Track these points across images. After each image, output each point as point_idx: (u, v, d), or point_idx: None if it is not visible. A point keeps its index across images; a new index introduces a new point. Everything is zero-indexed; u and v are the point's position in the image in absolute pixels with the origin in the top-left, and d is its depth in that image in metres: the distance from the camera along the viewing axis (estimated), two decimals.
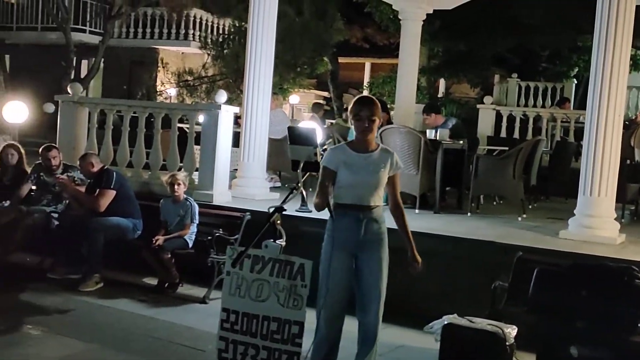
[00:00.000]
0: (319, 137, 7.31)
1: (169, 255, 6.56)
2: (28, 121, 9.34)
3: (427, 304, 5.77)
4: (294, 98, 19.92)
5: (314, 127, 7.44)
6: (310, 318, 4.06)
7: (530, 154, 8.39)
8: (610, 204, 6.44)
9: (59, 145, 7.87)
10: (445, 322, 4.69)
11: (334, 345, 4.23)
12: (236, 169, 8.32)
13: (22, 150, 7.68)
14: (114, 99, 11.34)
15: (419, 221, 7.01)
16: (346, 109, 14.91)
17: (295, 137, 7.12)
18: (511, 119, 13.66)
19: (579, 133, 8.99)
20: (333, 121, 14.55)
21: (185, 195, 6.85)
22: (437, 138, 8.08)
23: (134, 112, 8.39)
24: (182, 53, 21.20)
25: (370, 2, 16.35)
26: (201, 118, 7.86)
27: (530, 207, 8.74)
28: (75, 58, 18.17)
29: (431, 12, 11.66)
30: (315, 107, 13.55)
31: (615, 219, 6.53)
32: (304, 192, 7.10)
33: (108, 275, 6.77)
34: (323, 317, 4.15)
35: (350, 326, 4.29)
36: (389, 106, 11.24)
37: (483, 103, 14.15)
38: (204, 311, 6.09)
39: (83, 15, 20.20)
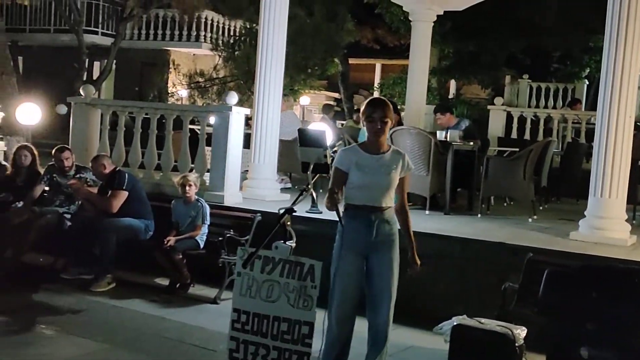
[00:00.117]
0: (329, 139, 7.34)
1: (181, 256, 6.60)
2: (41, 122, 9.40)
3: (437, 305, 5.79)
4: (304, 99, 19.96)
5: (324, 129, 7.47)
6: (320, 318, 4.09)
7: (541, 155, 8.37)
8: (621, 205, 6.43)
9: (71, 147, 7.93)
10: (455, 323, 4.70)
11: (345, 346, 4.26)
12: (247, 170, 8.36)
13: (36, 152, 7.72)
14: (126, 100, 11.42)
15: (429, 222, 7.04)
16: (357, 110, 14.96)
17: (306, 139, 7.15)
18: (522, 120, 13.62)
19: (591, 134, 8.97)
20: (344, 122, 14.56)
21: (196, 196, 6.88)
22: (448, 139, 8.10)
23: (146, 114, 8.44)
24: (194, 55, 21.28)
25: (380, 3, 16.37)
26: (212, 120, 7.90)
27: (540, 208, 8.72)
28: (87, 60, 18.27)
29: (442, 13, 11.65)
30: (326, 108, 13.59)
31: (626, 221, 6.51)
32: (314, 194, 7.12)
33: (120, 276, 6.82)
34: (334, 318, 4.18)
35: (361, 327, 4.31)
36: (399, 107, 11.24)
37: (494, 104, 14.13)
38: (215, 311, 6.13)
39: (95, 17, 20.31)
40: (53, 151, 7.49)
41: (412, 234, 4.33)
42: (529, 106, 16.30)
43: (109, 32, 20.26)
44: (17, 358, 4.85)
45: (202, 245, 6.75)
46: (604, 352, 4.61)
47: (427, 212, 7.76)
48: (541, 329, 4.88)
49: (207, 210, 6.84)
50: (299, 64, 16.27)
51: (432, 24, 11.54)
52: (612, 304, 4.70)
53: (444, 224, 7.07)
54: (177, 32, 20.68)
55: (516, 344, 4.50)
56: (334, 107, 17.65)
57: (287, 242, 4.04)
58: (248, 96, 14.95)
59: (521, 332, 4.60)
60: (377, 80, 24.49)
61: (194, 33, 20.54)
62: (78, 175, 7.32)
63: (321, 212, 6.77)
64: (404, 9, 12.48)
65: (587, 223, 6.48)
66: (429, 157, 7.84)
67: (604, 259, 5.66)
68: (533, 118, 13.60)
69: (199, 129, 8.41)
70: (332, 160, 5.95)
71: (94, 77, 18.76)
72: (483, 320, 4.69)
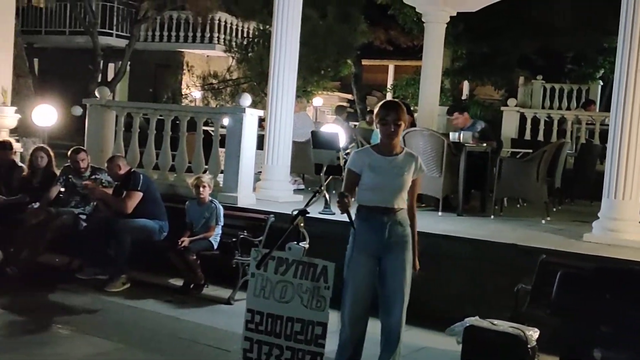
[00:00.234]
0: (342, 141, 7.37)
1: (195, 257, 6.63)
2: (56, 124, 9.48)
3: (450, 306, 5.79)
4: (317, 100, 19.99)
5: (337, 132, 7.50)
6: (333, 319, 4.12)
7: (554, 157, 8.36)
8: (635, 206, 6.39)
9: (87, 148, 7.99)
10: (467, 324, 4.71)
11: (357, 346, 4.28)
12: (260, 172, 8.40)
13: (52, 153, 7.76)
14: (140, 102, 11.49)
15: (441, 224, 7.04)
16: (369, 112, 14.97)
17: (319, 141, 7.19)
18: (535, 121, 13.56)
19: (605, 135, 8.92)
20: (356, 123, 14.58)
21: (210, 198, 6.92)
22: (461, 140, 8.10)
23: (160, 115, 8.50)
24: (207, 56, 21.39)
25: (393, 4, 16.36)
26: (226, 121, 7.94)
27: (554, 209, 8.70)
28: (102, 61, 18.42)
29: (454, 14, 11.65)
30: (339, 109, 13.61)
31: None
32: (327, 195, 7.16)
33: (135, 276, 6.87)
34: (347, 318, 4.21)
35: (374, 328, 4.33)
36: (412, 108, 11.25)
37: (507, 105, 14.08)
38: (228, 312, 6.17)
39: (110, 19, 20.46)
40: (69, 152, 7.54)
41: (416, 237, 4.35)
42: (543, 107, 16.22)
43: (124, 34, 20.41)
44: (34, 357, 4.92)
45: (215, 246, 6.79)
46: (618, 354, 4.60)
47: (439, 213, 7.77)
48: (554, 331, 4.88)
49: (221, 211, 6.87)
50: (312, 66, 16.30)
51: (445, 25, 11.55)
52: (626, 306, 4.69)
53: (457, 226, 7.07)
54: (190, 34, 20.80)
55: (528, 346, 4.51)
56: (347, 108, 17.66)
57: (300, 244, 4.07)
58: (261, 98, 15.00)
59: (534, 333, 4.60)
60: (390, 81, 24.49)
61: (207, 35, 20.65)
62: (93, 177, 7.37)
63: (334, 214, 6.80)
64: (417, 10, 12.48)
65: (601, 225, 6.46)
66: (442, 158, 7.84)
67: (617, 260, 5.64)
68: (547, 119, 13.53)
69: (212, 131, 8.46)
70: (345, 162, 5.99)
71: (109, 79, 18.92)
72: (495, 321, 4.70)
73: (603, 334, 4.67)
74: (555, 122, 13.30)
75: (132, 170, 7.28)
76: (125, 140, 8.59)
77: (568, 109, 15.92)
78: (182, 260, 6.66)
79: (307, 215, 4.08)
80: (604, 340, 4.65)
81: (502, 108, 14.34)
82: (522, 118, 13.72)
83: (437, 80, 11.76)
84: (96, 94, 8.91)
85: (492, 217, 7.91)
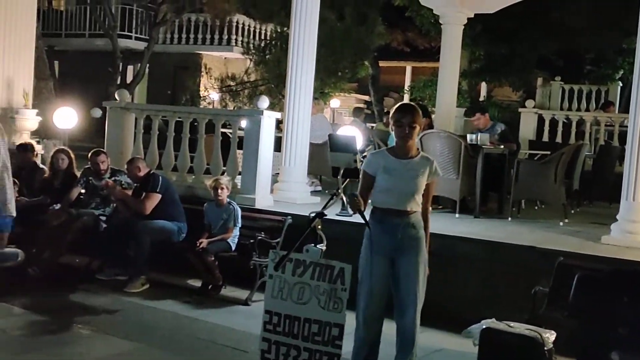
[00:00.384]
0: (359, 144, 7.39)
1: (213, 258, 6.68)
2: (76, 126, 9.59)
3: (466, 309, 5.79)
4: (334, 102, 20.02)
5: (354, 135, 7.53)
6: (350, 321, 4.15)
7: (572, 158, 8.31)
8: None
9: (106, 150, 8.06)
10: (484, 327, 4.71)
11: (373, 347, 4.31)
12: (278, 173, 8.44)
13: (72, 155, 7.85)
14: (159, 104, 11.59)
15: (459, 226, 7.04)
16: (386, 113, 14.98)
17: (336, 144, 7.23)
18: (554, 122, 13.50)
19: (624, 137, 8.88)
20: (374, 125, 14.59)
21: (228, 199, 6.97)
22: (478, 142, 8.09)
23: (179, 118, 8.58)
24: (225, 58, 21.49)
25: (411, 6, 16.35)
26: (244, 123, 8.00)
27: (572, 212, 8.65)
28: (121, 64, 18.58)
29: (472, 16, 11.63)
30: (356, 111, 13.60)
31: None
32: (344, 198, 7.18)
33: (154, 277, 6.93)
34: (362, 320, 4.25)
35: (391, 329, 4.36)
36: (429, 110, 11.25)
37: (525, 106, 14.02)
38: (246, 313, 6.21)
39: (129, 22, 20.65)
40: (89, 155, 7.62)
41: (428, 240, 4.37)
42: (561, 109, 16.12)
43: (143, 36, 20.58)
44: (54, 357, 4.99)
45: (233, 248, 6.83)
46: (635, 357, 4.59)
47: (457, 215, 7.77)
48: (572, 333, 4.87)
49: (239, 212, 6.92)
50: (330, 67, 16.33)
51: (463, 26, 11.53)
52: None
53: (474, 228, 7.07)
54: (209, 36, 20.93)
55: (545, 348, 4.49)
56: (364, 109, 17.68)
57: (317, 246, 4.10)
58: (279, 100, 15.05)
59: (550, 335, 4.59)
60: (407, 82, 24.44)
61: (225, 37, 20.76)
62: (113, 178, 7.44)
63: (351, 215, 6.81)
64: (434, 12, 12.48)
65: (619, 227, 6.43)
66: (459, 160, 7.84)
67: (636, 263, 5.62)
68: (565, 121, 13.46)
69: (230, 133, 8.52)
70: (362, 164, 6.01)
71: (128, 81, 19.07)
72: (512, 323, 4.69)
73: (620, 336, 4.65)
74: (574, 124, 13.23)
75: (152, 172, 7.34)
76: (144, 142, 8.65)
77: (587, 110, 15.81)
78: (200, 261, 6.72)
79: (324, 217, 4.11)
80: (621, 342, 4.63)
81: (520, 109, 14.29)
82: (540, 119, 13.66)
83: (455, 81, 11.74)
84: (116, 96, 9.00)
85: (509, 219, 7.89)
